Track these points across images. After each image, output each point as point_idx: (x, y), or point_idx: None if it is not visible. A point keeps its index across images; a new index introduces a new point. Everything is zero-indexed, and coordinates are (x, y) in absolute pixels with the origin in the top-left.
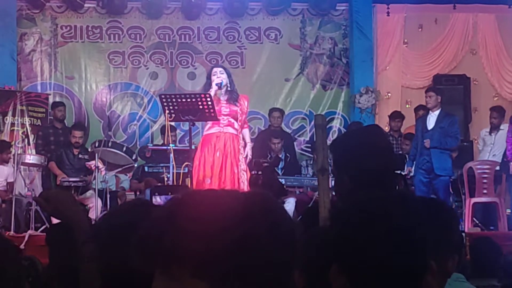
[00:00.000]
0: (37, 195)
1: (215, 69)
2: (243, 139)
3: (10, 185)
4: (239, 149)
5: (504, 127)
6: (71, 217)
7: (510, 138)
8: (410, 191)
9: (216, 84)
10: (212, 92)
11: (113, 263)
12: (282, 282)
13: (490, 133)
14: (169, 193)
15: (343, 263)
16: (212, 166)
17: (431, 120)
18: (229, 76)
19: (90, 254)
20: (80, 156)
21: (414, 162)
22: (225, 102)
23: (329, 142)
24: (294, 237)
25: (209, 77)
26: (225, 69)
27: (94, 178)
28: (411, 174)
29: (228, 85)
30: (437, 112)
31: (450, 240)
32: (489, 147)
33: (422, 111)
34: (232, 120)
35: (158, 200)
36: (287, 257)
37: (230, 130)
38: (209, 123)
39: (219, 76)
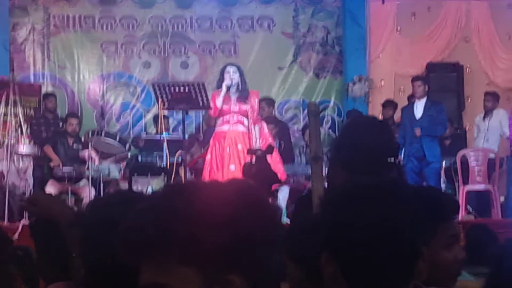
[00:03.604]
0: (30, 185)
1: (228, 68)
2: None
3: (0, 174)
4: (250, 144)
5: (498, 112)
6: (59, 218)
7: None
8: (403, 179)
9: (226, 85)
10: (222, 92)
11: (96, 249)
12: (266, 264)
13: (484, 118)
14: (148, 174)
15: (333, 250)
16: (222, 161)
17: (419, 109)
18: (241, 74)
19: (75, 239)
20: (73, 145)
21: (403, 151)
22: (235, 100)
23: (322, 131)
24: (275, 217)
25: (222, 73)
26: (238, 67)
27: (88, 168)
28: (402, 163)
29: (240, 83)
30: (423, 100)
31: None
32: (483, 133)
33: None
34: (242, 118)
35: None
36: (269, 237)
37: (240, 128)
38: (220, 121)
39: (232, 77)
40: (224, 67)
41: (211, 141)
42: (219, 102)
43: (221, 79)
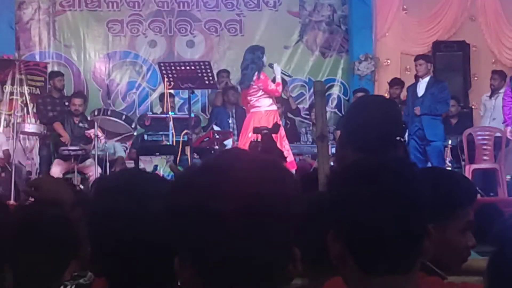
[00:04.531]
0: (36, 164)
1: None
2: None
3: (6, 153)
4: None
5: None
6: (61, 199)
7: (507, 101)
8: (408, 158)
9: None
10: (278, 73)
11: (103, 227)
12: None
13: (490, 97)
14: (157, 153)
15: (339, 229)
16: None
17: (421, 87)
18: None
19: (78, 220)
20: (80, 124)
21: (407, 129)
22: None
23: (329, 110)
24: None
25: (261, 56)
26: None
27: (94, 147)
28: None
29: None
30: (427, 79)
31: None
32: (489, 112)
33: None
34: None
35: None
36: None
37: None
38: (272, 100)
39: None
40: (263, 50)
41: (251, 119)
42: (279, 79)
43: (260, 63)
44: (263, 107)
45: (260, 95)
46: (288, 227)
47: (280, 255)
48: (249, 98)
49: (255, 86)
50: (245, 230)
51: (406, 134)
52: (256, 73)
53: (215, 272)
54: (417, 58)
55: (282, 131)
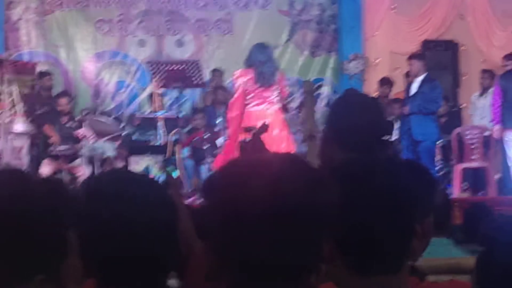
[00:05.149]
0: (25, 164)
1: None
2: None
3: None
4: None
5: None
6: None
7: (495, 100)
8: (397, 157)
9: None
10: None
11: (89, 227)
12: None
13: (480, 96)
14: (143, 152)
15: (329, 229)
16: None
17: (414, 86)
18: None
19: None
20: (68, 124)
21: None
22: None
23: (318, 109)
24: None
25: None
26: None
27: (82, 147)
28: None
29: None
30: (421, 78)
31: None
32: (479, 111)
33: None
34: None
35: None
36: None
37: None
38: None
39: None
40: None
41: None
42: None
43: (272, 59)
44: (278, 105)
45: (277, 94)
46: (308, 229)
47: (296, 256)
48: (266, 94)
49: (276, 85)
50: (258, 231)
51: (397, 133)
52: (278, 71)
53: (232, 263)
54: (409, 57)
55: (286, 132)
